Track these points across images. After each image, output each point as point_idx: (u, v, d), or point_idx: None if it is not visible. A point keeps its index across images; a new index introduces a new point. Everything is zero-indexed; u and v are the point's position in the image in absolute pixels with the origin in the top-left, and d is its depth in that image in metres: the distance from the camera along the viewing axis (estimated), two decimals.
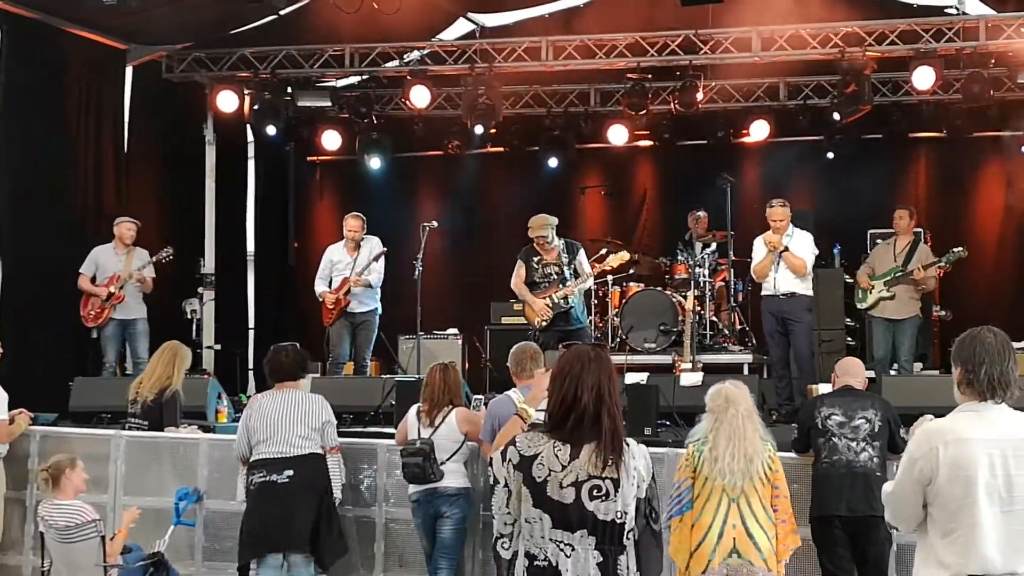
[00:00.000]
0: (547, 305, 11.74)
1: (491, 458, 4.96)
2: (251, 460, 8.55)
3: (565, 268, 11.85)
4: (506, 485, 4.82)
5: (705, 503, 7.14)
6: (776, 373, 12.33)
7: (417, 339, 13.28)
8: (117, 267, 12.99)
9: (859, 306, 13.07)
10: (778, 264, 12.06)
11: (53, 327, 13.31)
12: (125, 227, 13.11)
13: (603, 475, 4.75)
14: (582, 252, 12.08)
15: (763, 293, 12.29)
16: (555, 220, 11.95)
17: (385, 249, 13.04)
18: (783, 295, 12.09)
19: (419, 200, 17.76)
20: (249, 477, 8.54)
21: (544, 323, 11.86)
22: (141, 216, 13.63)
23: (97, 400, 11.63)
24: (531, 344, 8.45)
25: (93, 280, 13.02)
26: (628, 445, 4.85)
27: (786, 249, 12.05)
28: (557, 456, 4.77)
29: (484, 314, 15.23)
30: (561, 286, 11.79)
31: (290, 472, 8.39)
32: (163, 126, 15.61)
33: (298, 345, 8.93)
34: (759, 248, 12.27)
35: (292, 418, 8.52)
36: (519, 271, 12.01)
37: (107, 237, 13.46)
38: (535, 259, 11.96)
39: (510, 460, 4.81)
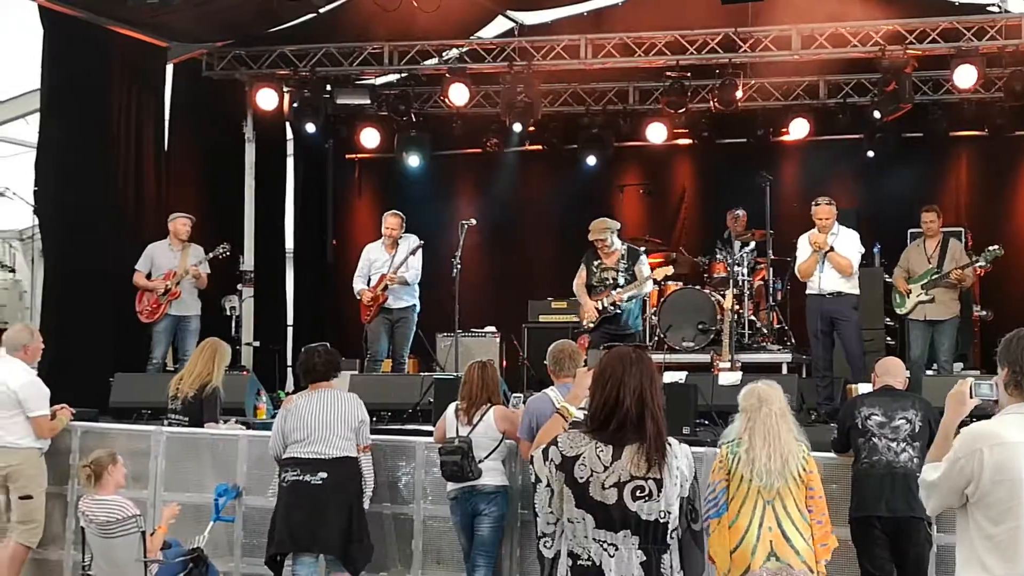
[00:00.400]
0: (596, 308, 11.88)
1: (532, 456, 4.92)
2: (284, 457, 8.55)
3: (621, 274, 11.91)
4: (548, 484, 4.78)
5: (741, 506, 7.01)
6: (818, 372, 12.14)
7: (455, 337, 13.14)
8: (172, 263, 12.96)
9: (898, 311, 12.85)
10: (823, 263, 11.87)
11: (95, 324, 13.19)
12: (180, 223, 13.06)
13: (646, 475, 4.71)
14: (643, 259, 12.11)
15: (808, 292, 12.08)
16: (616, 224, 12.05)
17: (421, 242, 13.00)
18: (829, 294, 11.89)
19: (457, 198, 17.53)
20: (282, 474, 8.54)
21: (591, 324, 12.02)
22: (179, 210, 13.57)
23: (137, 396, 11.58)
24: (569, 342, 8.40)
25: (148, 277, 13.00)
26: (671, 445, 4.81)
27: (831, 249, 11.89)
28: (599, 457, 4.73)
29: (522, 312, 15.11)
30: (613, 292, 11.87)
31: (324, 475, 8.38)
32: (203, 124, 15.49)
33: (329, 345, 8.91)
34: (803, 247, 12.09)
35: (330, 419, 8.52)
36: (581, 273, 12.14)
37: (150, 234, 13.43)
38: (595, 263, 12.07)
39: (552, 460, 4.77)
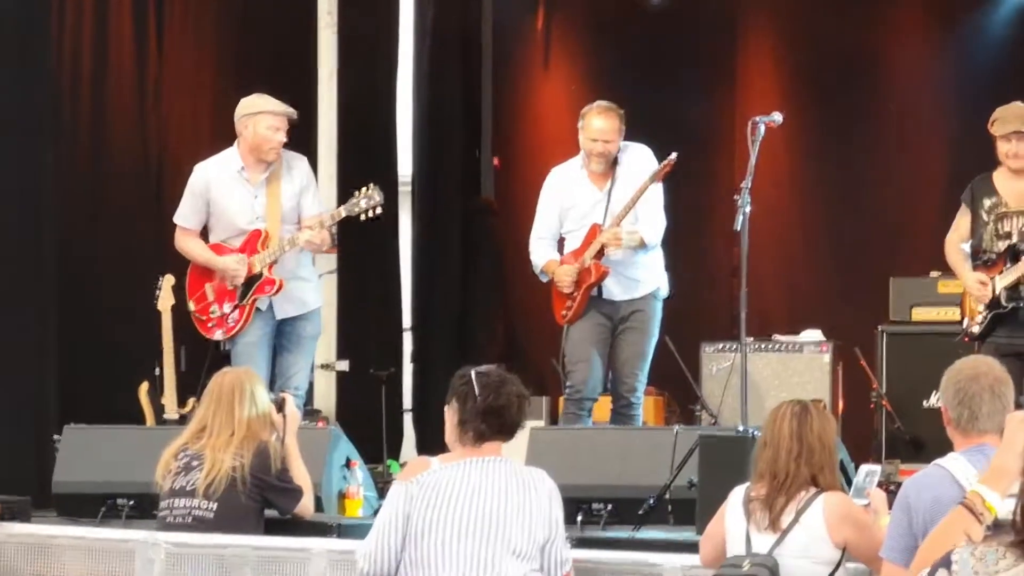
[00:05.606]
0: (982, 284, 9.26)
1: None
2: None
3: None
4: None
5: None
6: None
7: (740, 352, 9.52)
8: (252, 209, 9.12)
9: None
10: None
11: (17, 330, 9.33)
12: (266, 120, 8.78)
13: None
14: None
15: None
16: None
17: (672, 159, 9.61)
18: None
19: (742, 66, 12.68)
20: None
21: (979, 325, 9.29)
22: (185, 102, 10.49)
23: (108, 470, 8.79)
24: (987, 361, 5.70)
25: (205, 236, 9.31)
26: None
27: None
28: None
29: (877, 302, 11.22)
30: (1009, 262, 9.29)
31: None
32: None
33: (504, 368, 6.24)
34: None
35: (497, 518, 6.02)
36: (959, 221, 9.52)
37: (135, 141, 10.58)
38: (988, 201, 9.47)
39: None
